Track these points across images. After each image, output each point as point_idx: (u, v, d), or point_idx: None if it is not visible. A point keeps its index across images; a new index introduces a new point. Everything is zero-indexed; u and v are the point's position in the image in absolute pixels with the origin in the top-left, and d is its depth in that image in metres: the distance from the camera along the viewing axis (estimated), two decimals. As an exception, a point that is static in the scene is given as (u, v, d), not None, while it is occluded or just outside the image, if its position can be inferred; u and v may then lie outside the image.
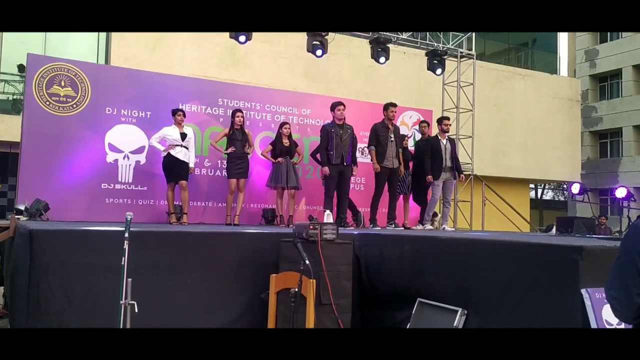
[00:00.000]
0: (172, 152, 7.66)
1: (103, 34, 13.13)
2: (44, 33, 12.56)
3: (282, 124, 8.56)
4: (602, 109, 27.63)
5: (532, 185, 31.31)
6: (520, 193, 18.42)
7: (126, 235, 3.53)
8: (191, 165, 7.81)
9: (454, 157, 8.78)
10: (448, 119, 9.14)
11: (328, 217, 4.94)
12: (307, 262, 3.61)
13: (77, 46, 13.00)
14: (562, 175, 19.03)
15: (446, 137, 8.72)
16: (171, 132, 7.76)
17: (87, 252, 4.32)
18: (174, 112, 7.85)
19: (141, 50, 12.69)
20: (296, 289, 3.51)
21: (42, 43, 12.52)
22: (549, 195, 38.12)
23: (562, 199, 36.11)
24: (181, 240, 4.87)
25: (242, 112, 8.20)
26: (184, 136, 7.79)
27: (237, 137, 7.99)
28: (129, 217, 3.65)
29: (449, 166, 8.63)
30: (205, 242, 5.00)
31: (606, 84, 27.95)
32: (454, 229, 9.27)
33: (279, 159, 8.33)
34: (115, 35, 12.56)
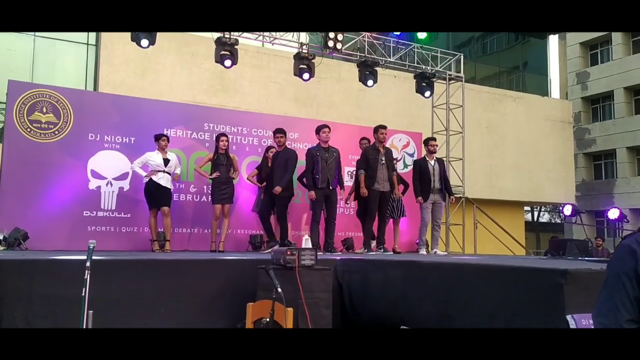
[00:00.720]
0: (154, 177, 7.52)
1: (92, 61, 13.08)
2: (31, 61, 12.51)
3: (268, 148, 8.44)
4: (595, 131, 27.66)
5: (528, 208, 31.16)
6: (515, 216, 18.24)
7: (87, 264, 3.36)
8: (177, 172, 7.75)
9: (444, 178, 8.65)
10: (434, 139, 9.02)
11: (306, 242, 4.77)
12: (280, 289, 3.43)
13: (65, 74, 12.92)
14: (556, 197, 18.88)
15: (434, 158, 8.60)
16: (154, 158, 7.63)
17: (52, 282, 4.13)
18: (157, 137, 7.73)
19: (130, 77, 12.61)
20: (267, 319, 3.33)
21: (29, 71, 12.46)
22: (545, 217, 37.97)
23: (558, 221, 35.95)
24: (154, 269, 4.68)
25: (227, 137, 8.07)
26: (167, 162, 7.65)
27: (222, 161, 7.85)
28: (92, 245, 3.47)
29: (438, 188, 8.49)
30: (181, 270, 4.81)
31: (598, 105, 28.04)
32: (446, 253, 9.08)
33: (265, 184, 8.18)
34: (103, 62, 12.50)
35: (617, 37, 26.63)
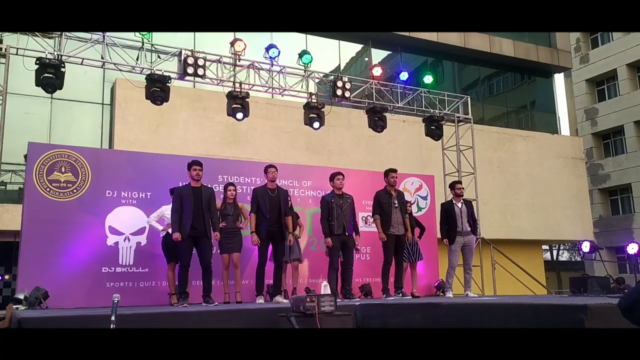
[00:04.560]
0: (171, 231, 7.58)
1: (107, 120, 13.43)
2: (48, 123, 12.87)
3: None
4: (608, 166, 27.56)
5: (546, 247, 30.72)
6: (533, 255, 18.02)
7: (112, 318, 3.40)
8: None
9: (473, 219, 8.65)
10: (460, 182, 9.15)
11: (325, 288, 4.78)
12: (300, 336, 3.43)
13: (82, 134, 13.25)
14: (574, 235, 18.65)
15: (461, 201, 8.63)
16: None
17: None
18: (172, 190, 7.84)
19: (144, 134, 12.90)
20: (289, 367, 3.32)
21: (47, 133, 12.81)
22: (564, 256, 37.36)
23: (579, 259, 35.33)
24: (170, 322, 4.69)
25: (234, 186, 8.18)
26: (183, 214, 7.72)
27: (229, 211, 7.92)
28: (116, 299, 3.52)
29: (467, 230, 8.48)
30: (198, 322, 4.82)
31: (609, 141, 28.04)
32: (476, 295, 8.95)
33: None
34: (118, 120, 12.83)
35: (622, 73, 26.87)
